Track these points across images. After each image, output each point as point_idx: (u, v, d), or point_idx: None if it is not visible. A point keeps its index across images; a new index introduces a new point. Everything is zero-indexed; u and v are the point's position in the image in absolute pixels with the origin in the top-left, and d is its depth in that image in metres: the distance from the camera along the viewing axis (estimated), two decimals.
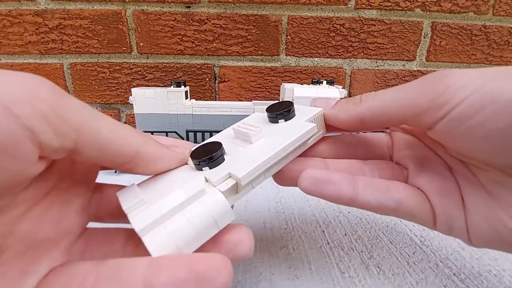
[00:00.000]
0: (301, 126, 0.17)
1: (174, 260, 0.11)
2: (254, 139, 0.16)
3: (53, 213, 0.13)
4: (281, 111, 0.18)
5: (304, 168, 0.16)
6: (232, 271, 0.12)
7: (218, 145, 0.16)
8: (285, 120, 0.18)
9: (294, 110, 0.18)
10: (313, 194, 0.15)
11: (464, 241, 0.15)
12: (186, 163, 0.16)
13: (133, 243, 0.15)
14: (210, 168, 0.15)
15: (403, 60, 0.53)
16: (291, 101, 0.19)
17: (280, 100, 0.20)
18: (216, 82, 0.53)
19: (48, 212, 0.12)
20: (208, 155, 0.15)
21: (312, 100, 0.19)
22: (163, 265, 0.11)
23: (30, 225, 0.12)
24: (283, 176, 0.17)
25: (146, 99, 0.39)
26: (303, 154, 0.18)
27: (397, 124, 0.16)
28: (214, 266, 0.11)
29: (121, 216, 0.13)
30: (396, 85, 0.60)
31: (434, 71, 0.55)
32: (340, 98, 0.37)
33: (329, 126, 0.19)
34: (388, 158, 0.20)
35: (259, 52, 0.51)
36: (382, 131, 0.21)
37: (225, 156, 0.16)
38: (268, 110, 0.19)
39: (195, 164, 0.15)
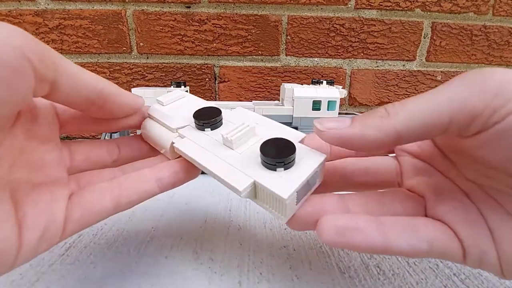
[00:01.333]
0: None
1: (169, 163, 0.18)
2: None
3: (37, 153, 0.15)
4: (281, 160, 0.15)
5: (321, 210, 0.15)
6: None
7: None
8: (284, 169, 0.15)
9: (294, 160, 0.15)
10: (338, 246, 0.14)
11: (495, 274, 0.14)
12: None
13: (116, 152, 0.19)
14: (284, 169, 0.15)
15: (403, 60, 0.53)
16: (291, 144, 0.15)
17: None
18: (216, 82, 0.53)
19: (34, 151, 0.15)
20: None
21: (316, 122, 0.14)
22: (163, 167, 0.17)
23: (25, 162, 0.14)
24: (298, 220, 0.15)
25: (146, 99, 0.39)
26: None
27: (437, 135, 0.13)
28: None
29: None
30: (396, 85, 0.60)
31: (434, 71, 0.55)
32: (340, 98, 0.37)
33: (342, 151, 0.17)
34: (397, 185, 0.18)
35: (259, 52, 0.51)
36: (386, 155, 0.19)
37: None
38: (263, 151, 0.15)
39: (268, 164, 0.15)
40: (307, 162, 0.15)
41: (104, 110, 0.16)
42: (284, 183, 0.14)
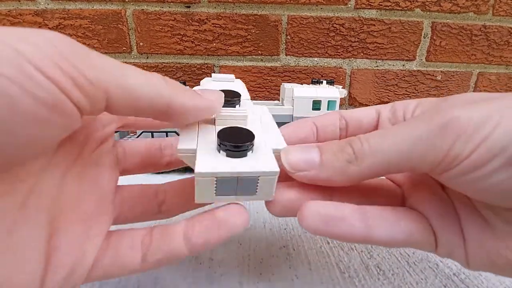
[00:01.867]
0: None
1: (202, 216, 0.14)
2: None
3: (89, 175, 0.14)
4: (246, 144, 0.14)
5: (304, 196, 0.15)
6: (248, 214, 0.14)
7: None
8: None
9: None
10: (319, 234, 0.14)
11: (462, 265, 0.15)
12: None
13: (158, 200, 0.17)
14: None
15: (403, 60, 0.53)
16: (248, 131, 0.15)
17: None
18: None
19: (84, 174, 0.14)
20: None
21: (283, 154, 0.14)
22: (196, 221, 0.14)
23: (73, 187, 0.13)
24: (277, 205, 0.15)
25: None
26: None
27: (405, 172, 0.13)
28: (231, 211, 0.14)
29: (147, 166, 0.18)
30: (396, 85, 0.60)
31: (434, 71, 0.55)
32: (340, 98, 0.37)
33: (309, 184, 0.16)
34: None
35: (259, 52, 0.51)
36: None
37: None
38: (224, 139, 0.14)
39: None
40: (259, 163, 0.14)
41: (171, 121, 0.14)
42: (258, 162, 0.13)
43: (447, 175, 0.12)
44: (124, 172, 0.18)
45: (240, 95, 0.17)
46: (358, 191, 0.17)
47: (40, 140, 0.10)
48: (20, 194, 0.11)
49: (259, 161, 0.14)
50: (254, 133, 0.14)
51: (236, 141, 0.14)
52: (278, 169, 0.13)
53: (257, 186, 0.14)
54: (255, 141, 0.14)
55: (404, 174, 0.17)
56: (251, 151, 0.14)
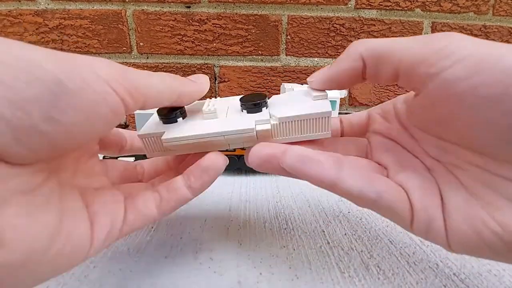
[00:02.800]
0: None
1: (193, 169, 0.18)
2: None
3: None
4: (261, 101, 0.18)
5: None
6: (224, 156, 0.18)
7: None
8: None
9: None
10: (296, 172, 0.16)
11: (442, 246, 0.14)
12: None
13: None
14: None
15: None
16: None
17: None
18: (216, 82, 0.53)
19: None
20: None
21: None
22: (190, 173, 0.18)
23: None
24: (260, 154, 0.17)
25: None
26: None
27: (390, 71, 0.15)
28: (211, 157, 0.17)
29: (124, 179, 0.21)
30: (396, 85, 0.60)
31: None
32: (340, 98, 0.37)
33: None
34: None
35: (259, 52, 0.51)
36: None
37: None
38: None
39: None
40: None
41: (182, 103, 0.18)
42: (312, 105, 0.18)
43: (433, 87, 0.12)
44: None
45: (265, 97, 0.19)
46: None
47: (96, 133, 0.14)
48: (64, 173, 0.15)
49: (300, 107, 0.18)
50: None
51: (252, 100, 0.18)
52: (328, 110, 0.17)
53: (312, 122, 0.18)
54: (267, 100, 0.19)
55: (389, 156, 0.18)
56: (265, 107, 0.18)
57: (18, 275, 0.11)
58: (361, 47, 0.15)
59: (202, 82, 0.19)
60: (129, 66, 0.53)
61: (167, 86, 0.16)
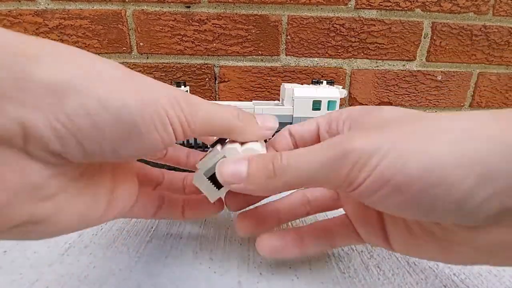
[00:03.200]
0: None
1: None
2: None
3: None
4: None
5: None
6: None
7: None
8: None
9: None
10: (274, 258, 0.21)
11: (386, 247, 0.17)
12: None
13: None
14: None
15: (403, 60, 0.53)
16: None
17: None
18: (216, 82, 0.53)
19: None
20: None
21: (219, 163, 0.17)
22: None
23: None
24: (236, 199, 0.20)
25: None
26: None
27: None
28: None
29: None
30: (397, 85, 0.60)
31: (434, 71, 0.55)
32: (340, 98, 0.37)
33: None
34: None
35: (259, 52, 0.51)
36: None
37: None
38: None
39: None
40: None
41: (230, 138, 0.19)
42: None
43: (352, 195, 0.14)
44: None
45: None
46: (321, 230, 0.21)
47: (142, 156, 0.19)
48: (107, 169, 0.16)
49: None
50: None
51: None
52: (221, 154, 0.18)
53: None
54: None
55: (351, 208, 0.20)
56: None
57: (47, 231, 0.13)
58: (280, 185, 0.15)
59: (266, 126, 0.19)
60: (129, 66, 0.52)
61: (221, 119, 0.17)
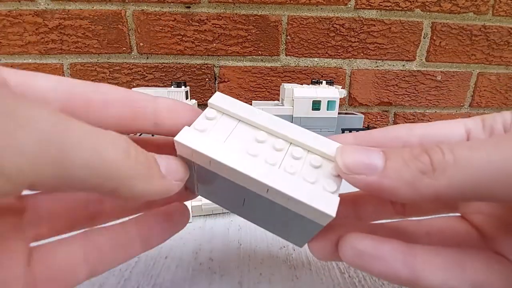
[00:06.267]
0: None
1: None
2: None
3: None
4: None
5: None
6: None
7: None
8: None
9: None
10: (359, 269, 0.13)
11: None
12: None
13: None
14: None
15: (403, 60, 0.53)
16: None
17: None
18: (216, 82, 0.53)
19: None
20: None
21: (338, 154, 0.12)
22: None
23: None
24: (321, 243, 0.14)
25: None
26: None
27: (491, 201, 0.11)
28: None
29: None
30: (396, 85, 0.60)
31: (434, 71, 0.55)
32: (340, 98, 0.37)
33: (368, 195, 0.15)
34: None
35: (259, 52, 0.51)
36: None
37: None
38: None
39: None
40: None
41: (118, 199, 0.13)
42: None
43: None
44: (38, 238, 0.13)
45: None
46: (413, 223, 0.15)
47: None
48: None
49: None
50: None
51: None
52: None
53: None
54: None
55: (481, 212, 0.14)
56: None
57: None
58: (442, 185, 0.10)
59: (173, 179, 0.12)
60: (129, 66, 0.53)
61: (99, 167, 0.09)
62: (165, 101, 0.14)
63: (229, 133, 0.14)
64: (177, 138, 0.13)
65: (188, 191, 0.17)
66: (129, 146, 0.10)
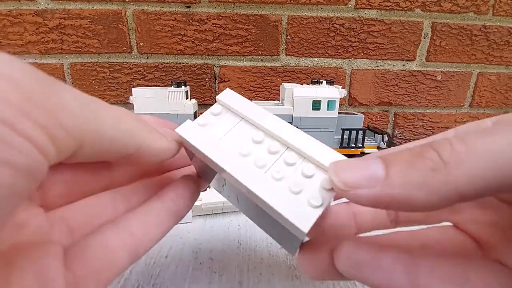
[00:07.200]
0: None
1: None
2: None
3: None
4: None
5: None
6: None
7: None
8: None
9: None
10: (357, 280, 0.12)
11: None
12: None
13: None
14: None
15: (403, 60, 0.53)
16: None
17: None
18: (216, 82, 0.53)
19: None
20: None
21: (332, 172, 0.11)
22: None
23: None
24: (313, 255, 0.13)
25: (146, 99, 0.39)
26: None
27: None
28: None
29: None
30: (396, 85, 0.60)
31: (434, 71, 0.55)
32: (340, 98, 0.37)
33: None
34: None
35: (259, 52, 0.51)
36: None
37: None
38: None
39: None
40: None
41: (135, 164, 0.14)
42: None
43: None
44: (47, 206, 0.13)
45: None
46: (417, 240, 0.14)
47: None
48: None
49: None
50: None
51: None
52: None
53: None
54: None
55: (482, 222, 0.13)
56: None
57: None
58: (461, 180, 0.08)
59: (171, 140, 0.14)
60: (129, 66, 0.53)
61: (124, 126, 0.11)
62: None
63: (228, 130, 0.14)
64: (178, 129, 0.14)
65: (203, 179, 0.17)
66: (139, 117, 0.12)
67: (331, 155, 0.13)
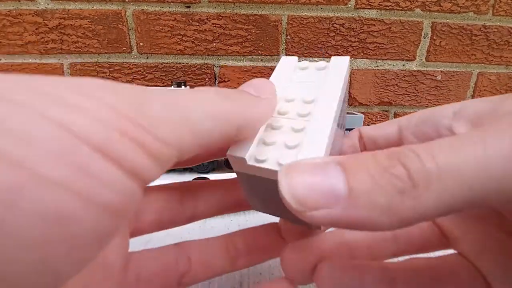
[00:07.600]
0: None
1: None
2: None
3: None
4: None
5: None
6: None
7: None
8: None
9: None
10: None
11: None
12: None
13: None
14: None
15: (403, 60, 0.53)
16: None
17: None
18: (216, 82, 0.53)
19: None
20: None
21: (282, 170, 0.09)
22: None
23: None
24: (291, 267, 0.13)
25: None
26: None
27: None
28: None
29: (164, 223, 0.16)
30: (396, 85, 0.60)
31: (434, 71, 0.55)
32: None
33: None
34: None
35: (259, 52, 0.51)
36: None
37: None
38: None
39: None
40: None
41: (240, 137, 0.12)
42: None
43: None
44: (136, 233, 0.14)
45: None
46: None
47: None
48: None
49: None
50: None
51: None
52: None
53: None
54: None
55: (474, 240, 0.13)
56: None
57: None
58: (430, 204, 0.08)
59: (269, 96, 0.12)
60: (129, 66, 0.52)
61: (218, 117, 0.09)
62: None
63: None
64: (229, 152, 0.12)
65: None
66: (221, 91, 0.11)
67: (309, 149, 0.11)
